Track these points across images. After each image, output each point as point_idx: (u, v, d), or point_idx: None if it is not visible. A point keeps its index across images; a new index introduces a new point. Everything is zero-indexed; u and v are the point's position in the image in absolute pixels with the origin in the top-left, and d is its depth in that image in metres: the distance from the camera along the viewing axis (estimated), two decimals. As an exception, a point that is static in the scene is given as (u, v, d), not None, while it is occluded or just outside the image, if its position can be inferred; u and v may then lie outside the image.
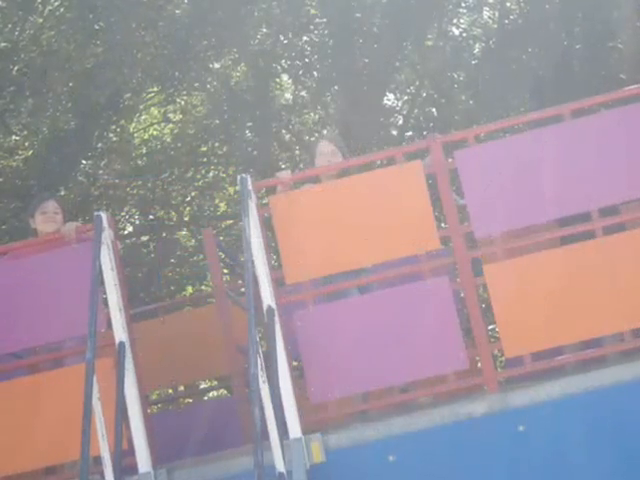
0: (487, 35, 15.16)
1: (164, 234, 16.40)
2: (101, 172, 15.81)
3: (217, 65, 15.29)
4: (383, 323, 5.67)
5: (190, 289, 16.64)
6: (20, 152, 14.83)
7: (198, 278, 16.56)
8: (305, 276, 5.83)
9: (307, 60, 14.73)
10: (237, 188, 8.23)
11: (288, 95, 16.47)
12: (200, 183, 16.59)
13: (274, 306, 5.53)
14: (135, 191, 16.12)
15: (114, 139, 15.55)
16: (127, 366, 5.55)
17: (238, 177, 5.73)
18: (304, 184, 6.51)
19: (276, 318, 5.51)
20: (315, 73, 14.87)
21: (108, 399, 5.41)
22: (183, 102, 16.49)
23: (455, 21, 15.58)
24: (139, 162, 16.28)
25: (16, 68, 13.97)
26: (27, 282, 5.96)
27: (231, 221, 16.54)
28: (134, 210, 16.69)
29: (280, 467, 5.09)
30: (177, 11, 14.48)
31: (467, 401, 5.54)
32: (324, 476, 5.39)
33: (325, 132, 15.38)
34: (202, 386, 12.50)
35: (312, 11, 14.61)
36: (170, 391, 9.13)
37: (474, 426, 5.43)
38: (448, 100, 15.09)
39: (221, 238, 15.42)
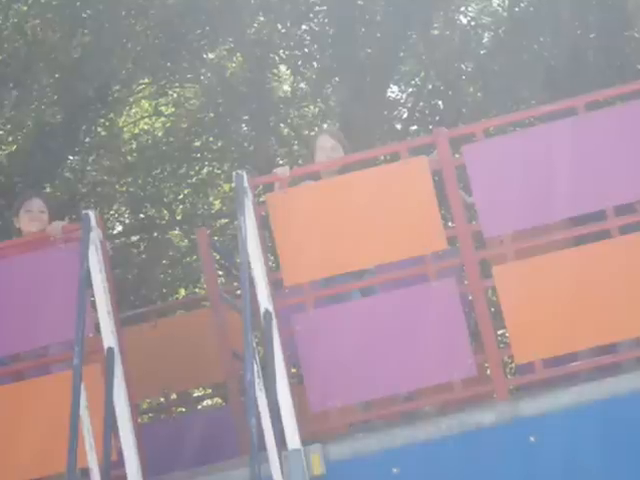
0: (496, 23, 15.18)
1: (155, 234, 16.42)
2: (89, 168, 15.83)
3: (211, 55, 15.31)
4: (386, 327, 5.68)
5: (183, 292, 16.67)
6: (3, 147, 14.85)
7: (191, 280, 16.59)
8: (304, 278, 5.83)
9: (306, 50, 14.75)
10: (232, 185, 8.22)
11: (286, 87, 16.49)
12: (193, 180, 16.62)
13: (271, 309, 5.53)
14: (125, 188, 16.14)
15: (103, 133, 15.57)
16: (116, 373, 5.55)
17: (234, 173, 5.73)
18: (303, 181, 6.51)
19: (274, 322, 5.52)
20: (315, 64, 14.88)
21: (96, 408, 5.41)
22: (175, 94, 16.51)
23: (463, 9, 15.60)
24: (129, 158, 16.31)
25: (-1, 58, 13.99)
26: (11, 284, 5.96)
27: (226, 220, 16.57)
28: (124, 208, 16.72)
29: (278, 480, 5.10)
30: (169, -2, 14.48)
31: (475, 410, 5.55)
32: (324, 489, 5.40)
33: (325, 126, 15.40)
34: (195, 394, 12.52)
35: (312, -2, 14.63)
36: (162, 399, 9.13)
37: (483, 436, 5.43)
38: (455, 92, 15.10)
39: (216, 238, 15.44)
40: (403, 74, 15.86)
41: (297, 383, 6.52)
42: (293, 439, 5.42)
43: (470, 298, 5.90)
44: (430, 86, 15.75)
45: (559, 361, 5.73)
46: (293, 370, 6.87)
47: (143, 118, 17.12)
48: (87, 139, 15.07)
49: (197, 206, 16.85)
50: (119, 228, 16.73)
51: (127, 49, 14.11)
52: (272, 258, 8.15)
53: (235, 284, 9.64)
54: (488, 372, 5.85)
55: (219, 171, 16.64)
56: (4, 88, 13.97)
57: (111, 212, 16.41)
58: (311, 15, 14.61)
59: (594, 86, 7.16)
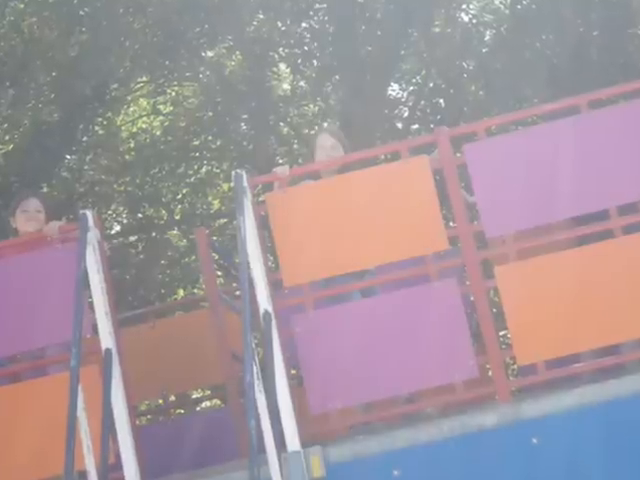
0: (498, 21, 15.19)
1: (154, 234, 16.42)
2: (86, 168, 15.84)
3: (210, 53, 15.31)
4: (387, 328, 5.67)
5: (181, 292, 16.67)
6: (0, 146, 14.84)
7: (190, 281, 16.58)
8: (304, 278, 5.83)
9: (306, 48, 14.75)
10: (232, 185, 8.20)
11: (286, 85, 16.49)
12: (192, 179, 16.62)
13: (271, 310, 5.53)
14: (123, 188, 16.15)
15: (100, 132, 15.57)
16: (114, 374, 5.55)
17: (233, 173, 5.72)
18: (303, 180, 6.51)
19: (273, 323, 5.51)
20: (315, 62, 14.88)
21: (94, 410, 5.41)
22: (174, 93, 16.51)
23: (464, 6, 15.62)
24: (127, 157, 16.31)
25: (-5, 57, 13.99)
26: (7, 285, 5.96)
27: (225, 220, 16.57)
28: (122, 208, 16.72)
29: (277, 482, 5.10)
30: (167, -5, 14.48)
31: (477, 412, 5.54)
32: (324, 492, 5.40)
33: (325, 125, 15.40)
34: (194, 396, 12.52)
35: (312, -5, 14.63)
36: (160, 401, 9.13)
37: (484, 438, 5.42)
38: (457, 90, 15.11)
39: (215, 238, 15.44)
40: (404, 72, 15.87)
41: (297, 385, 6.52)
42: (293, 441, 5.41)
43: (472, 299, 5.89)
44: (431, 84, 15.76)
45: (561, 362, 5.73)
46: (293, 371, 6.87)
47: (141, 117, 17.13)
48: (84, 138, 15.07)
49: (196, 206, 16.85)
50: (117, 228, 16.74)
51: (125, 47, 14.10)
52: (271, 258, 8.15)
53: (234, 285, 9.65)
54: (490, 373, 5.85)
55: (218, 170, 16.65)
56: (1, 87, 13.97)
57: (109, 212, 16.41)
58: (311, 13, 14.61)
59: (597, 84, 7.17)
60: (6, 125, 14.82)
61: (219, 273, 15.17)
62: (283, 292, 6.15)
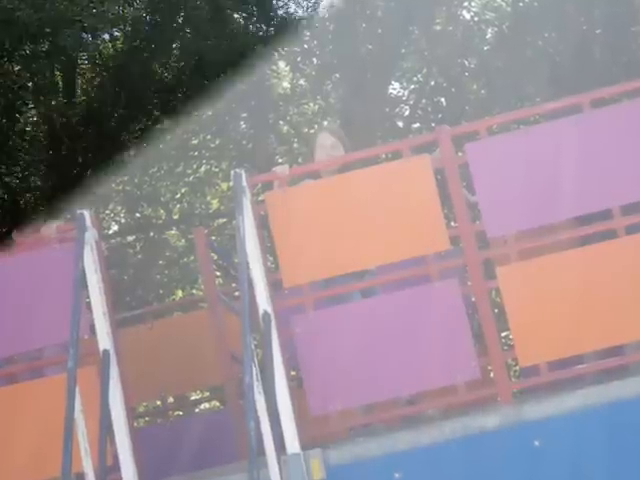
0: (500, 19, 15.20)
1: (152, 233, 16.42)
2: (84, 167, 15.80)
3: (209, 51, 15.28)
4: (388, 329, 5.67)
5: (180, 293, 16.67)
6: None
7: (189, 281, 16.58)
8: (304, 279, 5.83)
9: (306, 46, 14.74)
10: (231, 184, 8.20)
11: (286, 84, 16.49)
12: (191, 179, 16.62)
13: (270, 311, 5.52)
14: (121, 187, 16.13)
15: (98, 131, 15.54)
16: (112, 376, 5.54)
17: (232, 172, 5.71)
18: (303, 180, 6.51)
19: (273, 324, 5.51)
20: (315, 60, 14.89)
21: (91, 411, 5.41)
22: (172, 91, 16.48)
23: (466, 4, 15.63)
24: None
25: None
26: (5, 285, 5.96)
27: (224, 219, 16.57)
28: (120, 208, 16.71)
29: (277, 485, 5.09)
30: (166, -7, 14.48)
31: (479, 414, 5.54)
32: (324, 494, 5.39)
33: (325, 123, 15.40)
34: (193, 397, 12.53)
35: (312, -7, 14.61)
36: (158, 403, 9.13)
37: (486, 441, 5.42)
38: (458, 89, 15.12)
39: (213, 238, 15.44)
40: (405, 71, 15.88)
41: (297, 386, 6.52)
42: (292, 443, 5.41)
43: (473, 299, 5.89)
44: (432, 83, 15.77)
45: (564, 363, 5.73)
46: (292, 373, 6.87)
47: (139, 115, 17.10)
48: (82, 137, 15.07)
49: (194, 205, 16.86)
50: (115, 228, 16.74)
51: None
52: (271, 258, 8.15)
53: (233, 285, 9.65)
54: (492, 375, 5.85)
55: (217, 170, 16.65)
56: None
57: (107, 211, 16.41)
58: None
59: (600, 83, 7.16)
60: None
61: (218, 273, 15.17)
62: (283, 292, 6.14)
